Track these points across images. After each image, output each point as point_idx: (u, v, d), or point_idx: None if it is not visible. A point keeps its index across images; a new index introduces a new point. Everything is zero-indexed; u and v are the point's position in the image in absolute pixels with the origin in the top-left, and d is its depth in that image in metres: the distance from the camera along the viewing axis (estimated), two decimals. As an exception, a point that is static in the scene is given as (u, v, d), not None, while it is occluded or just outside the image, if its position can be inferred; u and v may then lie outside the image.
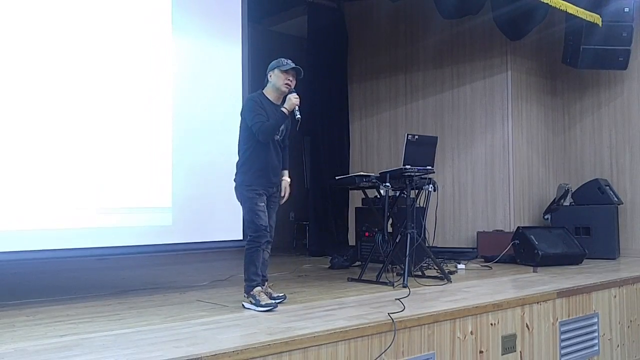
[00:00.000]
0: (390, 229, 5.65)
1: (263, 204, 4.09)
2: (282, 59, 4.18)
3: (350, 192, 8.24)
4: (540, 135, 7.98)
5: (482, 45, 7.70)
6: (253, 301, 3.97)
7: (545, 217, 7.50)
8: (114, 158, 4.53)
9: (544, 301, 4.54)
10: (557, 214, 7.34)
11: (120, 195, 4.56)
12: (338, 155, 8.46)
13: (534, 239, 6.40)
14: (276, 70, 4.14)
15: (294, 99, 4.06)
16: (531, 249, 6.36)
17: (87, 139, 4.42)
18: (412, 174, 5.21)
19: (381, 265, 5.34)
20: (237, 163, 4.16)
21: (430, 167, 5.30)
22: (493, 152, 7.54)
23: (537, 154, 7.90)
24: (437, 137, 5.63)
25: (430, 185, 5.38)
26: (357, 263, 6.48)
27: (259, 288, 4.02)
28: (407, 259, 5.02)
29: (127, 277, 5.86)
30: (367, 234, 6.39)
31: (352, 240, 7.75)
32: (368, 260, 5.56)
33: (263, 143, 4.06)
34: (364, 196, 5.96)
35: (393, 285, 4.90)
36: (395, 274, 5.51)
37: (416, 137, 5.23)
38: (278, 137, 4.18)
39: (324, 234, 8.16)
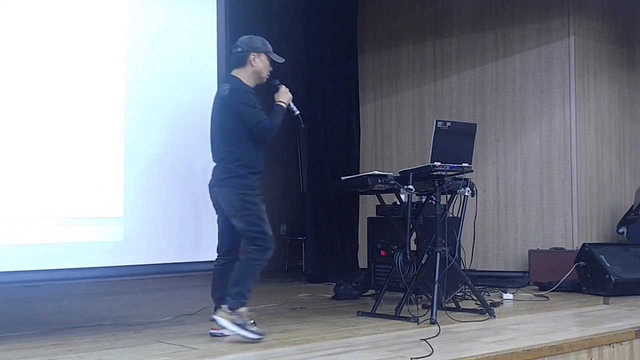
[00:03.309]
0: (414, 247, 5.66)
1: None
2: (265, 40, 4.52)
3: (360, 197, 8.24)
4: (613, 122, 7.97)
5: (536, 1, 7.70)
6: (239, 322, 4.27)
7: (620, 230, 7.49)
8: (46, 150, 4.54)
9: (618, 342, 4.53)
10: (636, 227, 7.34)
11: (55, 200, 4.56)
12: (344, 149, 8.47)
13: (604, 259, 6.40)
14: (263, 56, 4.49)
15: (288, 92, 4.50)
16: (601, 273, 6.37)
17: (7, 125, 4.43)
18: (443, 173, 5.22)
19: (402, 295, 5.35)
20: (224, 166, 4.44)
21: (467, 165, 5.30)
22: (550, 144, 7.55)
23: (610, 147, 7.90)
24: (475, 125, 5.64)
25: (467, 189, 5.38)
26: (370, 292, 6.49)
27: (246, 308, 4.32)
28: (436, 286, 5.03)
29: (65, 310, 5.86)
30: (383, 253, 6.40)
31: (363, 262, 7.75)
32: (384, 289, 5.56)
33: (257, 141, 4.42)
34: (378, 203, 5.97)
35: (418, 321, 4.92)
36: (420, 306, 5.52)
37: (448, 124, 5.23)
38: None
39: (325, 253, 8.17)
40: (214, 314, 4.50)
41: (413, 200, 5.41)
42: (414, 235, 5.64)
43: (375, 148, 8.69)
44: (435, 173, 5.19)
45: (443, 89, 8.23)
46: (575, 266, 6.53)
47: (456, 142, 5.27)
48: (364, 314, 5.35)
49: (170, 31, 5.14)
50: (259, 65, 4.47)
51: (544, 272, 6.96)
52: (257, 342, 4.24)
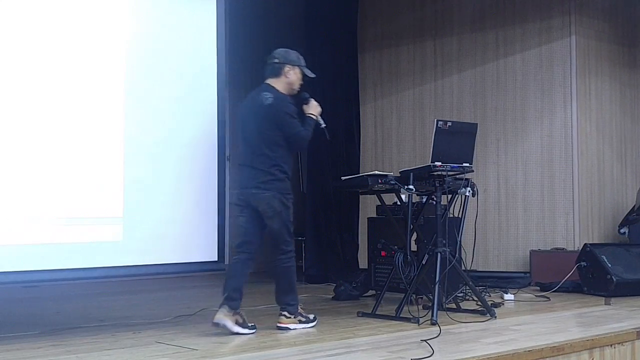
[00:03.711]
0: (414, 247, 5.66)
1: None
2: (299, 55, 4.89)
3: (360, 197, 8.24)
4: (614, 122, 7.98)
5: (537, 0, 7.70)
6: (303, 319, 4.79)
7: (622, 231, 7.50)
8: (46, 151, 4.55)
9: (619, 343, 4.53)
10: (638, 227, 7.34)
11: (55, 200, 4.57)
12: (344, 148, 8.48)
13: (606, 260, 6.40)
14: (297, 69, 4.84)
15: (318, 106, 4.88)
16: (603, 273, 6.37)
17: (8, 126, 4.44)
18: (444, 173, 5.22)
19: (402, 296, 5.35)
20: (262, 170, 4.68)
21: (467, 165, 5.31)
22: (551, 144, 7.55)
23: (611, 147, 7.91)
24: (476, 125, 5.64)
25: (468, 189, 5.39)
26: (371, 292, 6.49)
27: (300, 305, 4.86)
28: (437, 286, 5.03)
29: (64, 310, 5.85)
30: (383, 253, 6.40)
31: (363, 262, 7.75)
32: (385, 289, 5.57)
33: (291, 149, 4.78)
34: (379, 203, 5.97)
35: (418, 321, 4.92)
36: (421, 307, 5.52)
37: (449, 124, 5.23)
38: None
39: (325, 253, 8.17)
40: (222, 304, 4.59)
41: (413, 201, 5.40)
42: (415, 235, 5.64)
43: (375, 148, 8.70)
44: (435, 173, 5.20)
45: (444, 88, 8.24)
46: (577, 266, 6.53)
47: (457, 141, 5.27)
48: (364, 314, 5.36)
49: (170, 31, 5.15)
50: (292, 77, 4.80)
51: (545, 273, 6.96)
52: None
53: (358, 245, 8.27)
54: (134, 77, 4.94)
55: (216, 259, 5.06)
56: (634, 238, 7.29)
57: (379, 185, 5.29)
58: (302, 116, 4.83)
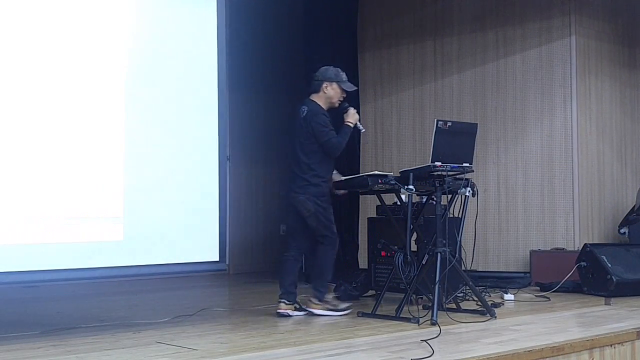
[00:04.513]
0: (414, 247, 5.67)
1: None
2: (339, 70, 5.40)
3: (360, 197, 8.24)
4: (614, 122, 7.98)
5: (537, 0, 7.71)
6: (330, 307, 5.20)
7: (622, 231, 7.50)
8: (47, 151, 4.55)
9: (619, 343, 4.54)
10: (638, 227, 7.35)
11: (55, 200, 4.58)
12: (344, 149, 8.44)
13: (606, 260, 6.41)
14: (335, 85, 5.39)
15: (355, 114, 5.38)
16: (603, 273, 6.37)
17: (9, 126, 4.44)
18: (444, 173, 5.23)
19: (402, 296, 5.36)
20: (301, 176, 5.28)
21: (467, 165, 5.32)
22: (551, 144, 7.56)
23: (611, 147, 7.91)
24: (476, 125, 5.65)
25: (468, 189, 5.40)
26: (371, 292, 6.50)
27: (332, 294, 5.31)
28: (437, 287, 5.04)
29: (64, 310, 5.87)
30: (383, 253, 6.41)
31: (363, 262, 7.76)
32: (385, 289, 5.58)
33: (327, 155, 5.30)
34: (379, 203, 5.97)
35: (418, 321, 4.93)
36: (421, 307, 5.53)
37: (449, 124, 5.24)
38: None
39: (325, 253, 8.17)
40: (281, 298, 5.27)
41: (413, 201, 5.41)
42: (415, 235, 5.65)
43: (375, 148, 8.70)
44: (435, 173, 5.21)
45: (444, 88, 8.24)
46: (577, 266, 6.54)
47: (457, 142, 5.28)
48: (364, 314, 5.36)
49: (170, 32, 5.17)
50: (330, 92, 5.36)
51: (545, 273, 6.97)
52: (349, 313, 5.22)
53: (358, 245, 8.27)
54: (135, 78, 4.95)
55: (217, 259, 5.07)
56: (634, 238, 7.30)
57: (379, 185, 5.31)
58: (342, 125, 5.33)
